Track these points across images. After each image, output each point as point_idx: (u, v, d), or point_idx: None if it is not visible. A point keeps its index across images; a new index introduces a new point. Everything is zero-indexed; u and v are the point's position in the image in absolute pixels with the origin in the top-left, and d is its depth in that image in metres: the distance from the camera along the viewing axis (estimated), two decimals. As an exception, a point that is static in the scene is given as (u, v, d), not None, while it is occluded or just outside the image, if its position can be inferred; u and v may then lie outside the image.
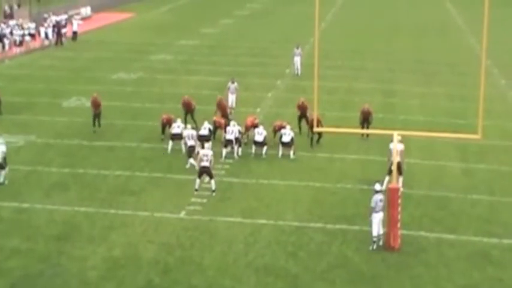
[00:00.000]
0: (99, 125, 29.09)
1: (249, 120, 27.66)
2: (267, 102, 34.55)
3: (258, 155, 26.07)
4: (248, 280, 17.31)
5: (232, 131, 26.01)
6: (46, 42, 50.60)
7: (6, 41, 47.37)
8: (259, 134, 26.28)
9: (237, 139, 26.04)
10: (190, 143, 25.07)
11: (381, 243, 18.94)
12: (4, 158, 23.41)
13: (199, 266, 17.98)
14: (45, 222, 20.49)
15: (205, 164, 22.33)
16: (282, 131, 26.48)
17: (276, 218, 20.85)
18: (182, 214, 21.14)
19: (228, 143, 25.96)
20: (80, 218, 20.73)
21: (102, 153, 26.59)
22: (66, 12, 57.18)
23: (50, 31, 51.10)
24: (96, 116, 29.10)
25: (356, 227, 20.21)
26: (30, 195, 22.43)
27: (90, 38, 54.94)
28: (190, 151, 25.02)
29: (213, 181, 22.55)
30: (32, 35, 50.20)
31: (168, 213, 21.13)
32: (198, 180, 22.52)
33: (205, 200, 22.14)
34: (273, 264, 18.11)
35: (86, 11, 64.06)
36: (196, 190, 22.49)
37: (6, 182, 23.31)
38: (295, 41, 43.59)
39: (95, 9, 67.09)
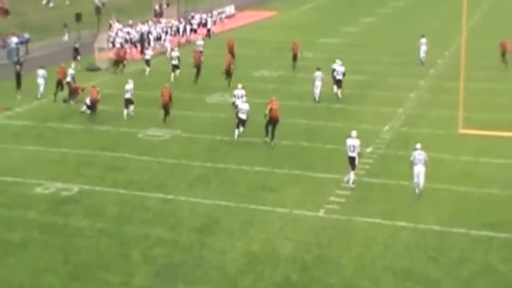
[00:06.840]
0: None
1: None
2: (409, 102, 33.77)
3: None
4: (386, 283, 16.99)
5: None
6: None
7: (151, 38, 49.19)
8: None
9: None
10: None
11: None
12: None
13: (337, 265, 17.86)
14: (188, 214, 21.13)
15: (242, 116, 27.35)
16: None
17: (417, 221, 20.33)
18: (321, 212, 21.09)
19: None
20: (221, 212, 21.21)
21: (242, 149, 27.06)
22: (210, 11, 58.78)
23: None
24: None
25: (503, 235, 19.31)
26: (174, 187, 23.23)
27: (234, 35, 56.01)
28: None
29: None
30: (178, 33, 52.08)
31: (306, 211, 21.16)
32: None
33: (343, 200, 21.99)
34: (413, 268, 17.66)
35: (230, 9, 65.51)
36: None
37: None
38: (440, 40, 42.39)
39: (239, 8, 68.50)
